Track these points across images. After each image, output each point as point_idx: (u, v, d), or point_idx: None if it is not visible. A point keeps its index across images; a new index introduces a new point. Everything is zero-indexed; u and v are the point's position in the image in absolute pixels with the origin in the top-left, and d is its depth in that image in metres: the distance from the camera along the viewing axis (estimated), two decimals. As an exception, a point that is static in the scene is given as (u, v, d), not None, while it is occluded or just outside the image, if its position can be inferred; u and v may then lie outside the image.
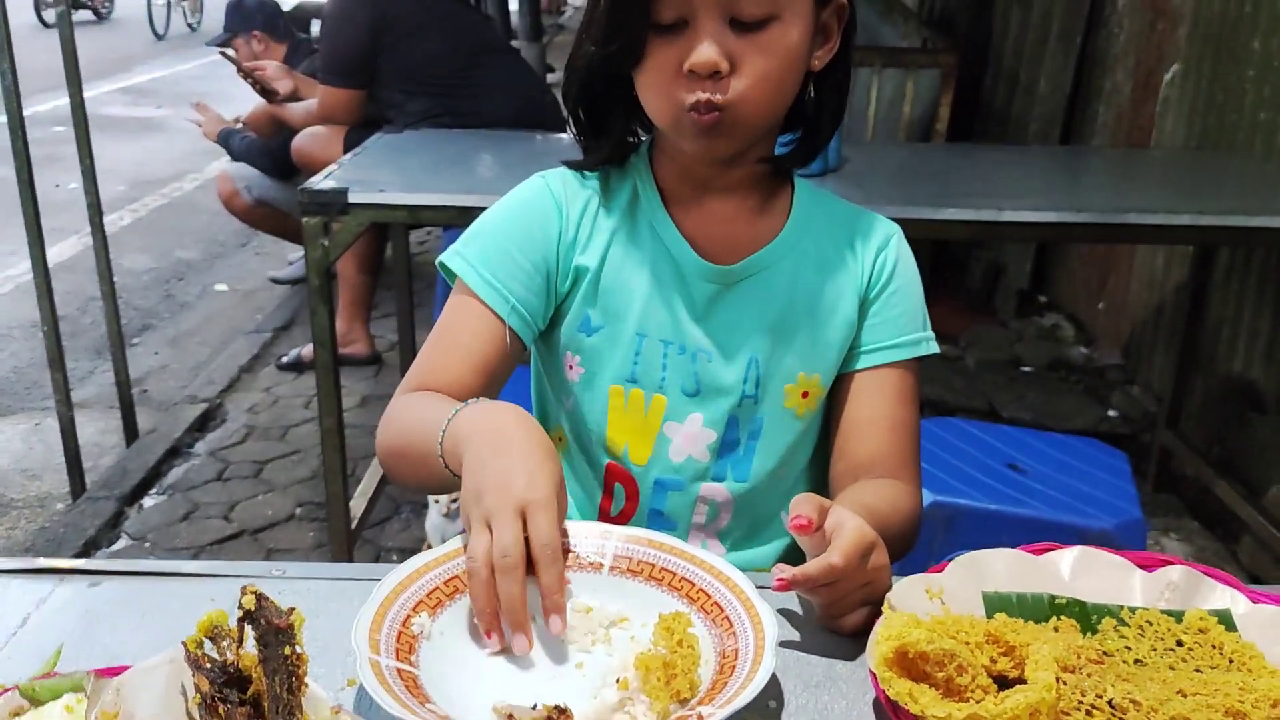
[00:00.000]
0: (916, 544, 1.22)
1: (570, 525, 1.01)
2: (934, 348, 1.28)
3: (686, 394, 1.22)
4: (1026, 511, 1.91)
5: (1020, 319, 4.76)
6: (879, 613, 0.87)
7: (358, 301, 4.26)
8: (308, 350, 4.18)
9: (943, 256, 5.35)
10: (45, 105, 8.28)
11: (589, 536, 1.01)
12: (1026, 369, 4.31)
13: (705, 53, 1.06)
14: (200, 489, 3.42)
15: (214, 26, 5.48)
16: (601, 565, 0.98)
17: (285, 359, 4.34)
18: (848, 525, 0.92)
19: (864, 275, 1.25)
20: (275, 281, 5.41)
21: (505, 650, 0.89)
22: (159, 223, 6.68)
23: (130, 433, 3.66)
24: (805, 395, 1.24)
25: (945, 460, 2.11)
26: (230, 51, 4.50)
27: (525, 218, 1.24)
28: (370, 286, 4.28)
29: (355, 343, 4.25)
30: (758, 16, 1.07)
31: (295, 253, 5.35)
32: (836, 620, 0.95)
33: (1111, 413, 3.92)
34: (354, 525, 2.73)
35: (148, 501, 3.35)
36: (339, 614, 0.85)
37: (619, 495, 1.26)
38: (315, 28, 5.69)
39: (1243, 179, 2.96)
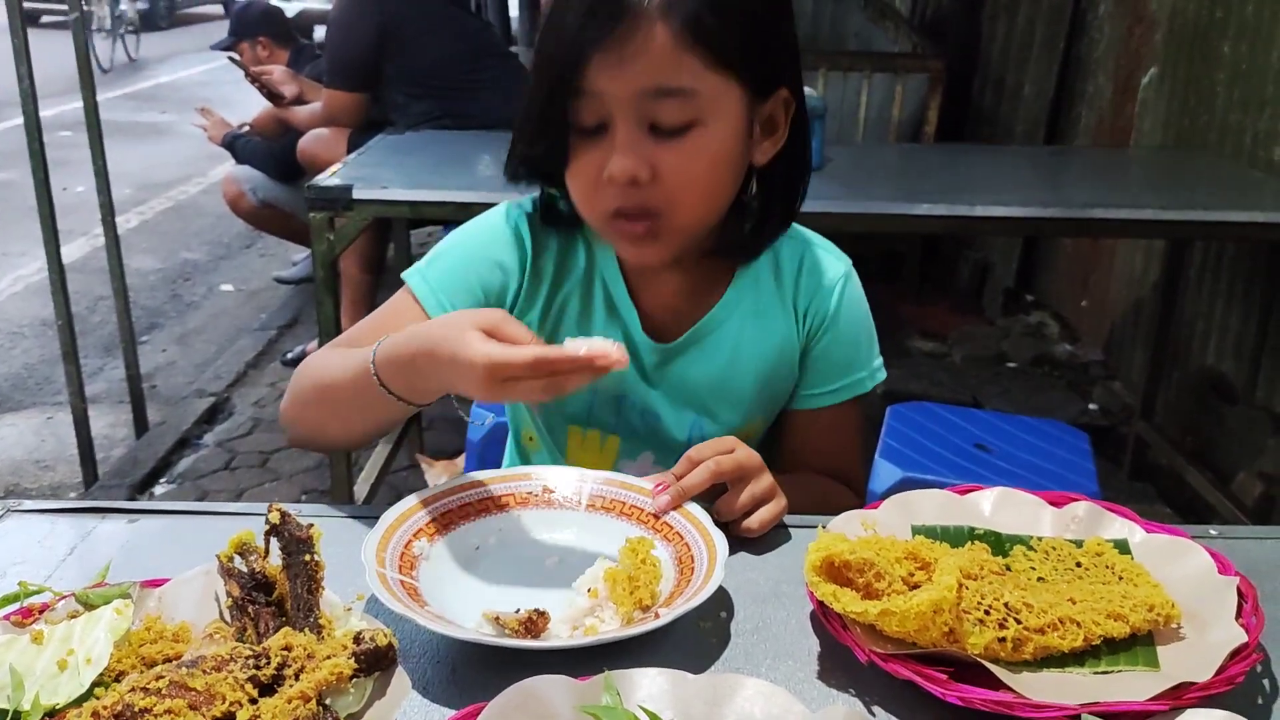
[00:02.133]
0: None
1: (552, 470, 1.15)
2: (878, 378, 1.31)
3: (638, 437, 1.30)
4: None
5: (1007, 317, 4.88)
6: (781, 509, 1.09)
7: (360, 300, 4.37)
8: (312, 347, 4.30)
9: (933, 257, 5.47)
10: (49, 111, 8.39)
11: (569, 480, 1.14)
12: (1011, 365, 4.43)
13: (621, 163, 1.05)
14: (209, 478, 3.55)
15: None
16: (579, 503, 1.12)
17: (290, 355, 4.47)
18: (707, 440, 1.09)
19: (804, 326, 1.28)
20: (280, 281, 5.53)
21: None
22: (165, 225, 6.81)
23: (140, 425, 3.78)
24: (747, 436, 1.28)
25: (916, 441, 2.23)
26: (237, 56, 4.63)
27: (488, 251, 1.25)
28: (372, 285, 4.40)
29: (358, 339, 4.36)
30: (677, 123, 1.06)
31: (299, 253, 5.48)
32: (740, 526, 1.08)
33: (1092, 406, 4.04)
34: (357, 509, 2.85)
35: (158, 489, 3.48)
36: (349, 544, 0.97)
37: None
38: (318, 33, 5.82)
39: (1214, 177, 3.07)
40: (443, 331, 1.01)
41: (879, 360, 1.32)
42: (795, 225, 1.29)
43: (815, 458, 1.33)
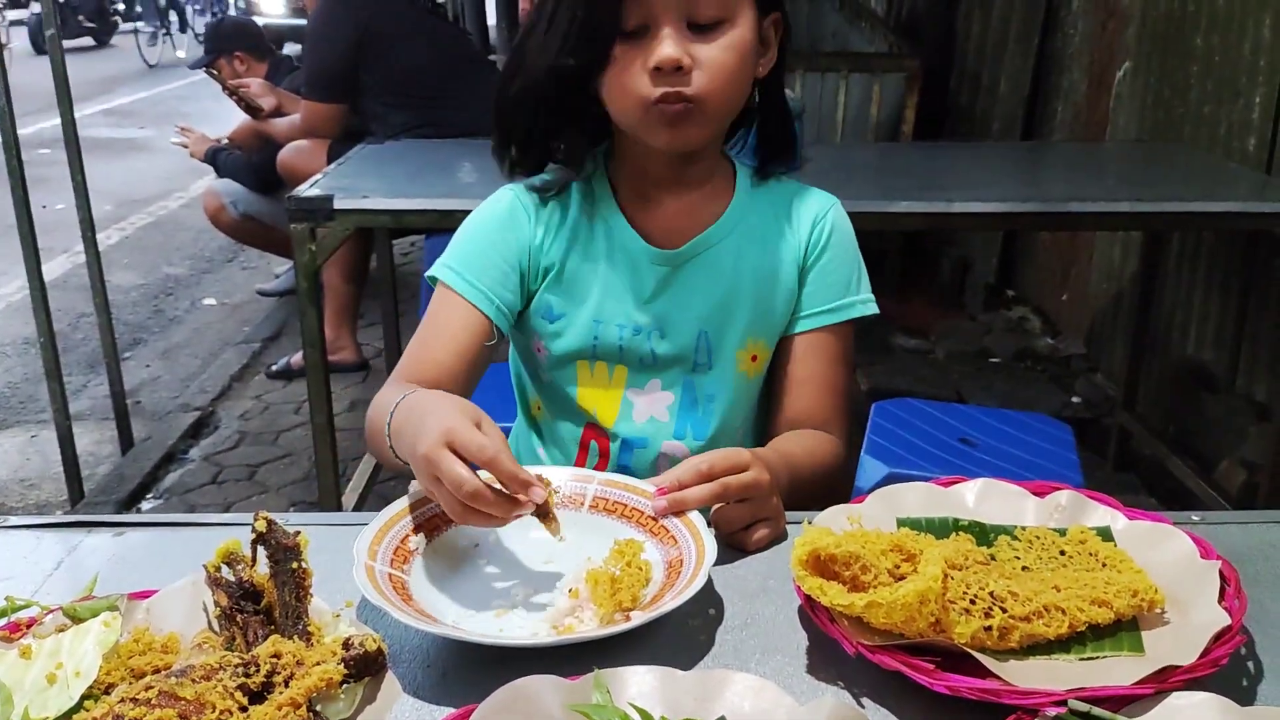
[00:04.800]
0: None
1: (558, 471, 1.16)
2: (870, 309, 1.42)
3: (645, 364, 1.37)
4: (974, 480, 2.04)
5: (988, 312, 4.90)
6: (779, 531, 1.10)
7: (344, 310, 4.37)
8: (296, 358, 4.30)
9: (914, 255, 5.50)
10: (28, 129, 8.36)
11: (573, 481, 1.15)
12: (994, 360, 4.45)
13: (668, 50, 1.20)
14: (196, 492, 3.54)
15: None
16: (582, 504, 1.13)
17: (275, 367, 4.45)
18: (722, 450, 1.12)
19: (801, 246, 1.39)
20: (263, 294, 5.51)
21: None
22: (146, 240, 6.79)
23: (126, 442, 3.76)
24: (754, 359, 1.39)
25: (901, 437, 2.24)
26: (215, 71, 4.62)
27: (501, 226, 1.38)
28: (356, 296, 4.40)
29: (343, 350, 4.36)
30: (711, 18, 1.22)
31: (282, 266, 5.47)
32: (736, 537, 1.12)
33: (1075, 399, 4.06)
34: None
35: (145, 505, 3.46)
36: (336, 551, 0.97)
37: (594, 452, 1.41)
38: (288, 48, 5.82)
39: (1189, 168, 3.09)
40: (438, 395, 1.13)
41: (868, 294, 1.42)
42: None
43: (804, 394, 1.38)
